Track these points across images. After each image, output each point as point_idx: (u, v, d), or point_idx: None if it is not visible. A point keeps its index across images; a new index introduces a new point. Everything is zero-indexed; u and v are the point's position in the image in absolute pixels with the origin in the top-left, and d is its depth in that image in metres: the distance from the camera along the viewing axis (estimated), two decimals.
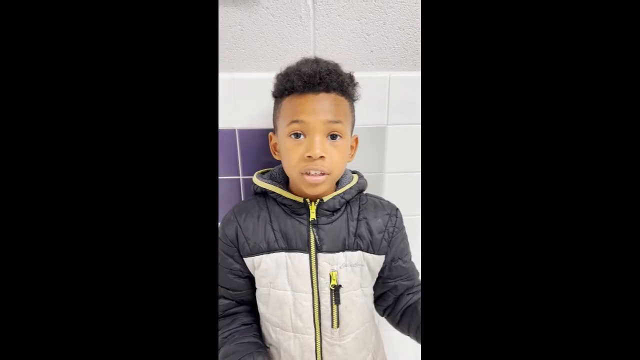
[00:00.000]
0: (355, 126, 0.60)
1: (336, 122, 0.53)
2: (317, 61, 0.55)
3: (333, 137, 0.54)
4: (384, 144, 0.75)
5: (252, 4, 0.66)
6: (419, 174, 0.78)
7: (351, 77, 0.57)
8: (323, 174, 0.54)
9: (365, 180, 0.64)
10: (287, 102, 0.54)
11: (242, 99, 0.70)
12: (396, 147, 0.75)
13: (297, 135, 0.54)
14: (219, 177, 0.74)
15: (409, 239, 0.66)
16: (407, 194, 0.77)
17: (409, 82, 0.71)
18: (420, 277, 0.67)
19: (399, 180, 0.78)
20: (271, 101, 0.60)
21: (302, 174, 0.54)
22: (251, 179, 0.62)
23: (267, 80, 0.59)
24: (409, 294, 0.65)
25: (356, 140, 0.61)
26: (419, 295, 0.64)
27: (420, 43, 0.70)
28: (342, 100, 0.55)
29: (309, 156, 0.52)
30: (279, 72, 0.57)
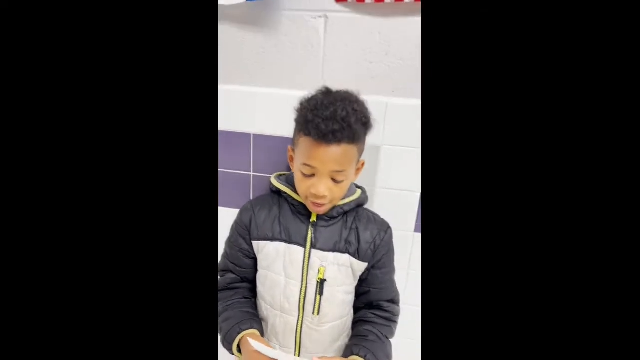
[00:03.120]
0: None
1: (340, 171, 0.62)
2: (335, 106, 0.59)
3: (336, 180, 0.63)
4: (377, 162, 0.83)
5: (274, 31, 0.79)
6: (408, 192, 0.84)
7: (365, 124, 0.63)
8: (324, 204, 0.65)
9: (367, 196, 0.74)
10: (304, 141, 0.62)
11: (260, 109, 0.84)
12: (388, 165, 0.83)
13: (307, 173, 0.63)
14: (234, 171, 0.89)
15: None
16: (396, 210, 0.84)
17: (404, 108, 0.78)
18: (395, 306, 0.74)
19: (390, 195, 0.85)
20: (283, 114, 0.72)
21: (307, 199, 0.65)
22: (260, 176, 0.75)
23: (281, 95, 0.71)
24: (370, 315, 0.73)
25: (362, 164, 0.69)
26: (372, 326, 0.71)
27: (419, 74, 0.76)
28: (351, 148, 0.62)
29: (314, 194, 0.63)
30: (303, 100, 0.65)
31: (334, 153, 0.60)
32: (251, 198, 0.91)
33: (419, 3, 0.71)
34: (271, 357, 0.61)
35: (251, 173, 0.89)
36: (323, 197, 0.63)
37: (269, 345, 0.64)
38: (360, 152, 0.66)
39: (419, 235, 0.87)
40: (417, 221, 0.86)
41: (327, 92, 0.65)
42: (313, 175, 0.63)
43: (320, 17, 0.76)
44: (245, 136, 0.86)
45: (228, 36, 0.81)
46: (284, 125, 0.83)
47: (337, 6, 0.75)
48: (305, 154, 0.62)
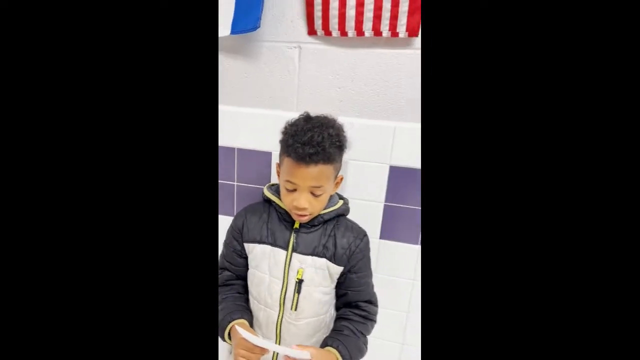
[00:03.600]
0: None
1: (318, 186, 0.71)
2: (312, 132, 0.68)
3: (315, 194, 0.72)
4: (345, 173, 0.93)
5: (255, 60, 0.90)
6: (374, 202, 0.93)
7: (339, 147, 0.72)
8: (306, 215, 0.74)
9: (348, 207, 0.82)
10: (287, 161, 0.71)
11: (243, 126, 0.95)
12: (356, 178, 0.92)
13: (290, 189, 0.73)
14: (221, 181, 1.00)
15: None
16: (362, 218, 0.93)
17: (368, 128, 0.88)
18: (372, 306, 0.82)
19: (357, 204, 0.94)
20: (263, 130, 0.84)
21: (291, 210, 0.75)
22: (243, 185, 0.84)
23: (262, 114, 0.82)
24: (348, 313, 0.81)
25: (341, 178, 0.78)
26: (348, 323, 0.79)
27: (377, 99, 0.86)
28: (327, 168, 0.70)
29: (296, 206, 0.72)
30: (287, 124, 0.74)
31: (312, 172, 0.69)
32: (235, 204, 1.01)
33: (379, 36, 0.81)
34: (255, 344, 0.69)
35: (235, 183, 1.00)
36: (304, 209, 0.72)
37: (255, 334, 0.72)
38: (337, 169, 0.75)
39: (383, 241, 0.95)
40: (381, 229, 0.95)
41: (307, 118, 0.74)
42: (295, 190, 0.72)
43: (295, 47, 0.88)
44: (230, 150, 0.97)
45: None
46: (265, 141, 0.94)
47: (309, 38, 0.86)
48: (288, 172, 0.71)
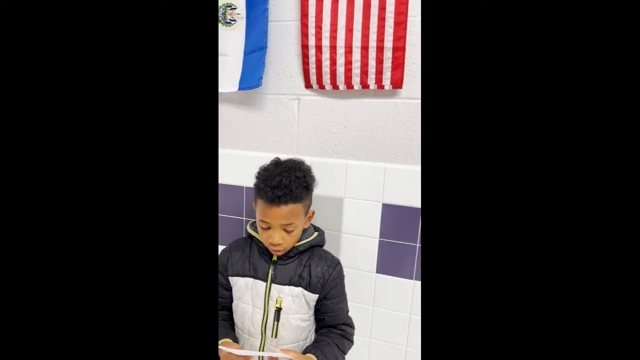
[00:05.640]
0: (323, 195, 0.90)
1: (289, 224, 0.79)
2: (281, 176, 0.77)
3: (287, 231, 0.80)
4: (342, 210, 1.00)
5: (260, 110, 1.03)
6: (368, 237, 0.99)
7: (307, 187, 0.81)
8: (280, 249, 0.83)
9: (323, 238, 0.90)
10: (260, 203, 0.80)
11: (250, 167, 1.06)
12: (350, 214, 1.00)
13: (264, 227, 0.81)
14: (231, 216, 1.10)
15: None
16: (357, 253, 0.99)
17: (361, 168, 0.96)
18: (348, 327, 0.88)
19: (352, 239, 1.01)
20: None
21: (268, 245, 0.84)
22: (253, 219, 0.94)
23: (266, 157, 0.89)
24: (325, 331, 0.87)
25: (312, 213, 0.87)
26: (326, 336, 0.85)
27: (368, 142, 0.95)
28: (296, 207, 0.79)
29: (270, 242, 0.81)
30: (260, 170, 0.84)
31: (282, 212, 0.78)
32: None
33: (367, 89, 0.91)
34: (239, 354, 0.76)
35: (243, 218, 1.10)
36: (278, 244, 0.81)
37: (239, 348, 0.78)
38: (307, 206, 0.84)
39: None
40: (377, 264, 1.00)
41: (277, 163, 0.84)
42: (269, 227, 0.81)
43: (294, 99, 0.99)
44: (239, 188, 1.08)
45: (227, 114, 1.06)
46: None
47: (307, 91, 0.97)
48: (261, 212, 0.80)
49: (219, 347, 0.79)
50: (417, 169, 0.92)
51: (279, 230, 0.80)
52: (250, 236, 0.92)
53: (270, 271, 0.86)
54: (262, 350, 0.86)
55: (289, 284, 0.85)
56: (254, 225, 0.93)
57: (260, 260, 0.88)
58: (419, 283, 0.97)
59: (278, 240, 0.80)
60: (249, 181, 1.05)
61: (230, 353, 0.76)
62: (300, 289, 0.85)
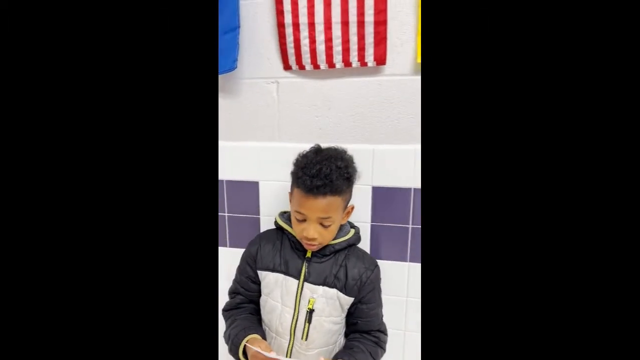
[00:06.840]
0: None
1: (327, 217, 0.73)
2: (321, 165, 0.70)
3: (324, 225, 0.74)
4: None
5: (236, 95, 0.96)
6: (359, 224, 0.96)
7: (348, 179, 0.74)
8: (315, 244, 0.76)
9: (359, 236, 0.84)
10: (296, 192, 0.74)
11: (229, 159, 0.99)
12: None
13: (299, 219, 0.75)
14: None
15: None
16: None
17: (349, 152, 0.92)
18: (381, 334, 0.83)
19: None
20: (247, 162, 0.89)
21: (301, 239, 0.77)
22: (235, 216, 0.87)
23: (245, 146, 0.86)
24: (358, 336, 0.81)
25: (352, 208, 0.81)
26: (359, 343, 0.79)
27: (354, 124, 0.91)
28: (335, 199, 0.72)
29: (305, 236, 0.75)
30: (298, 156, 0.78)
31: (320, 204, 0.71)
32: (227, 235, 1.04)
33: (350, 67, 0.87)
34: (269, 357, 0.69)
35: (226, 214, 1.03)
36: (313, 239, 0.74)
37: (268, 348, 0.72)
38: (346, 200, 0.77)
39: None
40: (370, 249, 0.97)
41: (317, 150, 0.77)
42: (304, 220, 0.74)
43: (273, 82, 0.93)
44: (219, 182, 1.01)
45: None
46: (249, 172, 0.98)
47: (286, 73, 0.92)
48: (297, 203, 0.74)
49: (246, 345, 0.72)
50: (406, 148, 0.89)
51: (315, 223, 0.74)
52: (280, 228, 0.84)
53: (304, 269, 0.79)
54: (290, 353, 0.80)
55: (324, 284, 0.78)
56: (283, 216, 0.86)
57: (292, 255, 0.81)
58: (413, 265, 0.95)
59: (313, 234, 0.74)
60: (228, 174, 0.99)
61: (259, 353, 0.70)
62: (335, 290, 0.78)
